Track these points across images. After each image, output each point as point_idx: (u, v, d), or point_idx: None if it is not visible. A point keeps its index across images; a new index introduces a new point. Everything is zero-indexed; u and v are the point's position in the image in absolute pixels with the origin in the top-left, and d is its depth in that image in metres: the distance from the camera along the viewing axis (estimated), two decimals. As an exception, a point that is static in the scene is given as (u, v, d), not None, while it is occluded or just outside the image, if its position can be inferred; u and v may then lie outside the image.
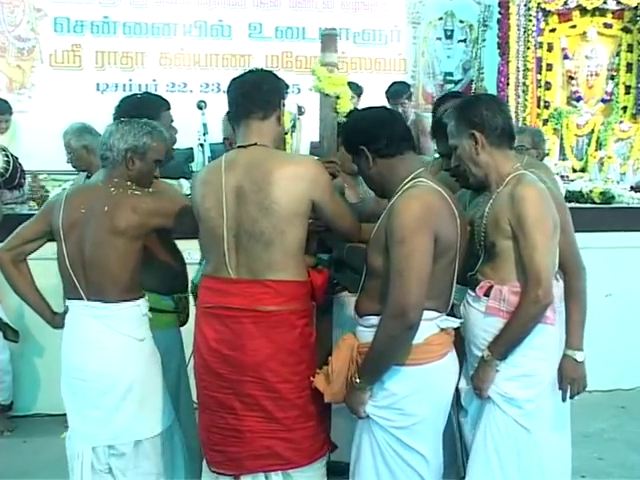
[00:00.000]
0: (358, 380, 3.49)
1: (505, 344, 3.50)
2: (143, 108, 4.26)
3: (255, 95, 3.68)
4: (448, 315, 3.58)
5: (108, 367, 3.99)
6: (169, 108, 4.51)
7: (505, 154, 3.60)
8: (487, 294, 3.52)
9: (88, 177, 5.90)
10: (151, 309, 4.11)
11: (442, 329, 3.51)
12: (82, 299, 4.03)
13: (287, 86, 3.86)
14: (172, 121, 4.48)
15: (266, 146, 3.65)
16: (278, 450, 3.66)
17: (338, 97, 4.26)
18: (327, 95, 4.21)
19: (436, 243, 3.36)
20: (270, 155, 3.64)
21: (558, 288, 3.67)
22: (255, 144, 3.64)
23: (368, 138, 3.59)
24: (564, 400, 3.76)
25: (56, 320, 4.22)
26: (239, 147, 3.70)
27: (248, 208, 3.56)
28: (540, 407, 3.60)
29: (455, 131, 3.60)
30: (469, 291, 3.63)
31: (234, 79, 3.79)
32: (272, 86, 3.73)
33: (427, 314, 3.41)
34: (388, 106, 8.19)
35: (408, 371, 3.45)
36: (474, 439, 3.62)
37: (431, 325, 3.46)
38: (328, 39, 4.36)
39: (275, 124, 3.71)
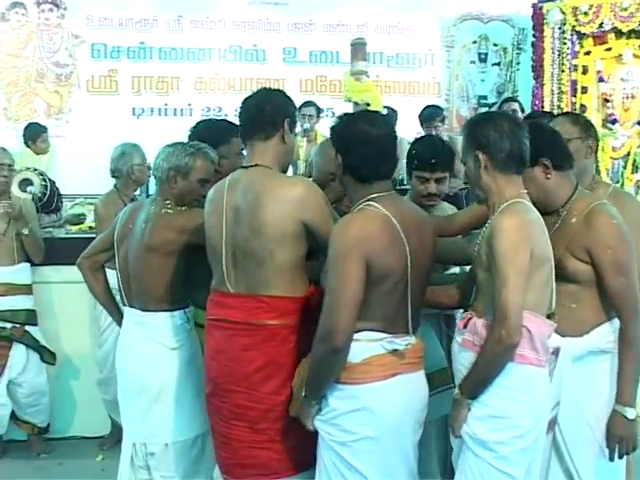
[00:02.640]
0: (303, 394, 3.53)
1: (472, 382, 3.34)
2: (215, 132, 4.41)
3: (257, 117, 3.77)
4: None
5: (142, 370, 4.25)
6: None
7: (510, 179, 3.39)
8: (466, 326, 3.42)
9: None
10: (195, 324, 4.32)
11: (391, 350, 3.44)
12: (127, 306, 4.39)
13: (294, 105, 3.90)
14: (242, 148, 4.48)
15: (267, 167, 3.73)
16: (264, 460, 3.75)
17: (368, 104, 4.27)
18: (357, 104, 4.22)
19: (370, 269, 3.33)
20: (265, 176, 3.70)
21: (612, 334, 3.56)
22: (256, 165, 3.74)
23: (344, 152, 3.60)
24: (611, 460, 3.55)
25: (122, 323, 4.53)
26: (242, 167, 3.83)
27: (242, 228, 3.68)
28: (525, 452, 3.35)
29: (464, 149, 3.49)
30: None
31: (243, 101, 3.88)
32: (275, 107, 3.78)
33: (368, 334, 3.41)
34: (421, 130, 8.25)
35: (347, 389, 3.44)
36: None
37: (374, 346, 3.42)
38: (356, 48, 4.41)
39: (279, 143, 3.77)
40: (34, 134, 8.94)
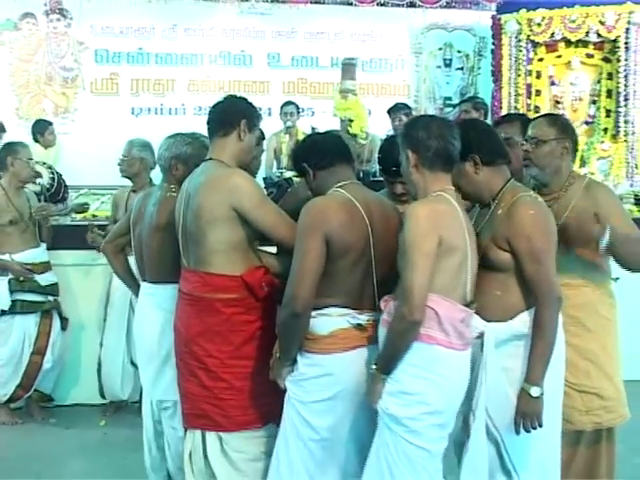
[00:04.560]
0: (278, 355, 3.59)
1: (383, 358, 3.31)
2: None
3: (218, 116, 3.91)
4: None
5: (152, 335, 4.33)
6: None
7: (436, 176, 3.34)
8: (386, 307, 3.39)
9: (133, 190, 6.12)
10: None
11: (355, 325, 3.48)
12: (141, 279, 4.54)
13: (254, 108, 3.98)
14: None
15: (220, 161, 3.83)
16: (210, 414, 3.84)
17: (352, 120, 4.32)
18: (342, 120, 4.27)
19: (330, 245, 3.38)
20: (211, 168, 3.82)
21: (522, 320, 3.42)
22: (211, 159, 3.87)
23: (306, 155, 3.72)
24: (517, 433, 3.39)
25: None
26: (203, 161, 3.95)
27: (188, 211, 3.81)
28: (441, 429, 3.33)
29: (400, 148, 3.45)
30: None
31: (212, 105, 4.03)
32: (233, 109, 3.90)
33: (334, 310, 3.47)
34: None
35: (313, 357, 3.50)
36: (369, 454, 3.44)
37: (339, 320, 3.47)
38: (346, 68, 4.42)
39: (236, 141, 3.86)
40: (42, 128, 8.90)
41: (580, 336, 3.76)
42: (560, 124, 3.99)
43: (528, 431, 3.37)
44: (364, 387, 3.46)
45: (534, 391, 3.32)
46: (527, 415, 3.35)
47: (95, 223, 6.58)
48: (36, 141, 8.81)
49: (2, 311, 6.03)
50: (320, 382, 3.51)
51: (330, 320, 3.48)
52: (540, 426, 3.36)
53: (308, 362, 3.53)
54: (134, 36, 10.48)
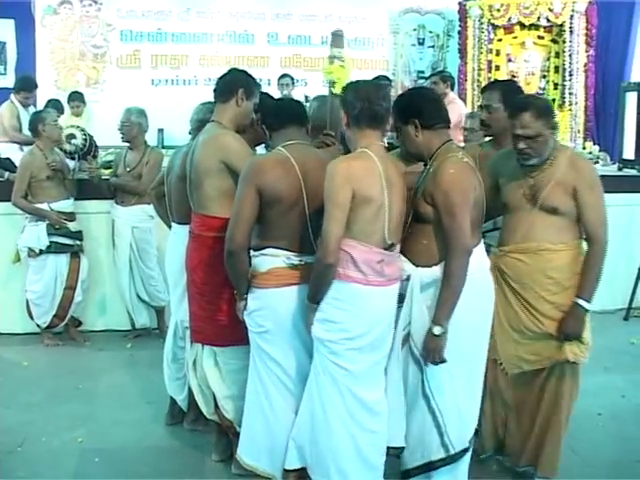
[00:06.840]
0: (235, 291, 3.68)
1: (310, 291, 3.35)
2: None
3: (220, 85, 3.99)
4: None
5: (176, 266, 4.40)
6: None
7: (363, 133, 3.30)
8: None
9: (130, 148, 6.31)
10: None
11: (290, 265, 3.49)
12: (171, 220, 4.61)
13: (253, 80, 4.03)
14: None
15: (218, 122, 3.91)
16: (207, 331, 4.00)
17: (334, 82, 4.38)
18: (329, 82, 4.34)
19: (263, 194, 3.40)
20: (211, 129, 3.91)
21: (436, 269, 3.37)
22: (213, 121, 3.96)
23: (263, 118, 3.79)
24: (425, 365, 3.39)
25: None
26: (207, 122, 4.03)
27: (191, 165, 3.95)
28: (360, 352, 3.35)
29: None
30: None
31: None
32: (233, 79, 3.98)
33: (272, 251, 3.50)
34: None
35: (255, 291, 3.55)
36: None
37: (275, 259, 3.49)
38: (334, 38, 4.42)
39: (234, 107, 3.93)
40: (71, 98, 9.01)
41: (558, 294, 3.64)
42: (544, 114, 3.61)
43: (434, 364, 3.35)
44: (299, 321, 3.51)
45: (436, 330, 3.30)
46: (429, 350, 3.33)
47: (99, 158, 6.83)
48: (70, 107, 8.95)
49: (40, 250, 6.15)
50: (261, 314, 3.57)
51: (268, 259, 3.51)
52: (443, 361, 3.33)
53: (252, 296, 3.58)
54: (154, 18, 10.29)
